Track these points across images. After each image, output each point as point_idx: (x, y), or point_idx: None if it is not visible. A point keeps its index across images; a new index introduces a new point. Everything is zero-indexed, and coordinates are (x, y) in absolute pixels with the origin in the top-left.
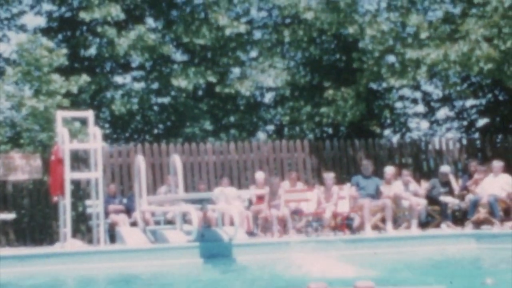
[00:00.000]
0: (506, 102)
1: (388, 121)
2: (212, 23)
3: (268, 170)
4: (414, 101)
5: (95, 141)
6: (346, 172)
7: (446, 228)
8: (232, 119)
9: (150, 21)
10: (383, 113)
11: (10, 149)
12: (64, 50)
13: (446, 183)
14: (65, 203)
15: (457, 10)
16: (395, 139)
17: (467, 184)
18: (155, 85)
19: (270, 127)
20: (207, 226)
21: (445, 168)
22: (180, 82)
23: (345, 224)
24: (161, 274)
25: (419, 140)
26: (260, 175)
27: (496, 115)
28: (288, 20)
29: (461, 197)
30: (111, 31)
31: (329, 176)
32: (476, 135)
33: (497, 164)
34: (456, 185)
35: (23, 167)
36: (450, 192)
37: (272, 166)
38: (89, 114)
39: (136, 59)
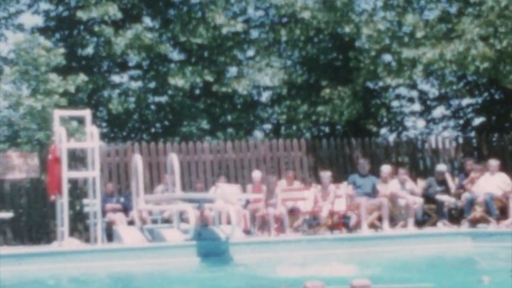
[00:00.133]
0: (502, 101)
1: (385, 120)
2: (209, 22)
3: (265, 169)
4: (411, 100)
5: (92, 140)
6: (343, 171)
7: (443, 227)
8: (229, 118)
9: (147, 20)
10: (380, 112)
11: (7, 148)
12: (62, 50)
13: (443, 182)
14: (63, 202)
15: (453, 9)
16: (392, 137)
17: (463, 182)
18: (152, 84)
19: (267, 126)
20: (204, 224)
21: (441, 167)
22: (177, 81)
23: (342, 222)
24: (158, 273)
25: (416, 139)
26: (257, 174)
27: (492, 114)
28: (285, 19)
29: (458, 196)
30: (108, 30)
31: (326, 174)
32: (472, 133)
33: (493, 162)
34: (452, 183)
35: (20, 166)
36: (447, 191)
37: (269, 165)
38: (86, 113)
39: (133, 58)
